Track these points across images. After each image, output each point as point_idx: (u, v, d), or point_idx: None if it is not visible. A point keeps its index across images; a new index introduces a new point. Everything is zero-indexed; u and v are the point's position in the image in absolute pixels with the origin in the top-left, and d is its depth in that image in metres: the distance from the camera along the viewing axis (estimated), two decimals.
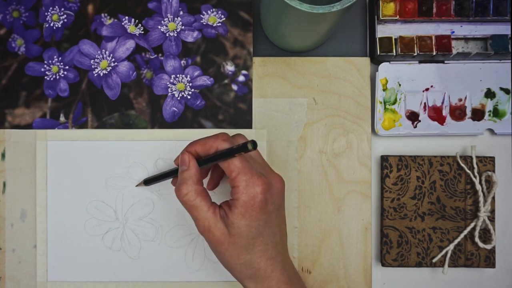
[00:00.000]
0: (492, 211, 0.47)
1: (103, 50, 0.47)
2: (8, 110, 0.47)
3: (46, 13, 0.47)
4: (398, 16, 0.46)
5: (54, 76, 0.47)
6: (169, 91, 0.47)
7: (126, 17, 0.47)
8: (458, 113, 0.47)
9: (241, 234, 0.37)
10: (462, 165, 0.46)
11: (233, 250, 0.38)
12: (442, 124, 0.47)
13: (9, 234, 0.46)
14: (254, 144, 0.35)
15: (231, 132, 0.47)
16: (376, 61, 0.48)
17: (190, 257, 0.47)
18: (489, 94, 0.47)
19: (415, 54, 0.46)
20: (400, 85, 0.47)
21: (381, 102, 0.47)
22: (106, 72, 0.47)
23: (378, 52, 0.46)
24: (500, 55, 0.47)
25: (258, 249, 0.38)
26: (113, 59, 0.47)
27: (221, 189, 0.46)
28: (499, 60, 0.47)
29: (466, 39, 0.48)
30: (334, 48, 0.48)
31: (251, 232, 0.37)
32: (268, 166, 0.41)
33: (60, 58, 0.47)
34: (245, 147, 0.35)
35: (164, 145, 0.47)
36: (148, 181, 0.45)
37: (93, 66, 0.47)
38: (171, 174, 0.43)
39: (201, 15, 0.47)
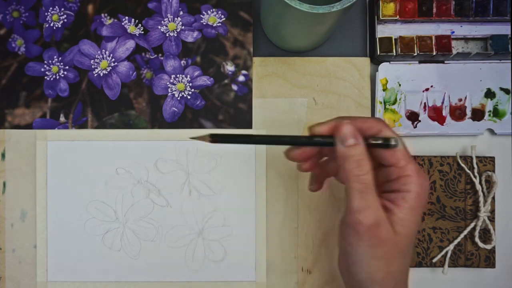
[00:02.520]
0: (492, 211, 0.47)
1: (103, 50, 0.47)
2: (8, 110, 0.47)
3: (46, 13, 0.47)
4: (398, 16, 0.46)
5: (54, 76, 0.47)
6: (169, 91, 0.47)
7: (126, 17, 0.47)
8: (458, 113, 0.47)
9: (408, 234, 0.31)
10: (462, 165, 0.46)
11: (392, 254, 0.31)
12: (442, 124, 0.47)
13: (9, 234, 0.46)
14: (396, 141, 0.32)
15: (231, 132, 0.47)
16: (376, 61, 0.48)
17: (190, 257, 0.47)
18: (489, 94, 0.47)
19: (415, 54, 0.46)
20: (400, 85, 0.47)
21: (381, 102, 0.47)
22: (106, 72, 0.47)
23: (378, 52, 0.46)
24: (500, 55, 0.47)
25: (409, 257, 0.32)
26: (113, 59, 0.47)
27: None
28: (499, 60, 0.47)
29: (466, 39, 0.48)
30: (334, 48, 0.48)
31: (414, 232, 0.32)
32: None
33: (60, 58, 0.47)
34: (387, 141, 0.32)
35: (164, 145, 0.47)
36: (220, 139, 0.34)
37: (93, 66, 0.47)
38: (285, 141, 0.35)
39: (201, 15, 0.47)
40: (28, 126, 0.47)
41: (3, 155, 0.47)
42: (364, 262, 0.31)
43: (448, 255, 0.46)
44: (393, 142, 0.32)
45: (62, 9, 0.47)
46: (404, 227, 0.31)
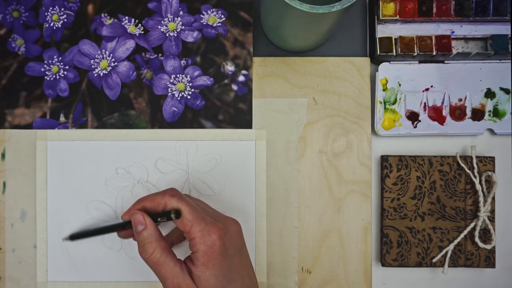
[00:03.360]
0: (492, 211, 0.47)
1: (103, 50, 0.47)
2: (8, 110, 0.47)
3: (46, 13, 0.47)
4: (398, 16, 0.46)
5: (54, 76, 0.47)
6: (169, 91, 0.47)
7: (126, 17, 0.47)
8: (458, 113, 0.47)
9: (210, 286, 0.36)
10: (462, 165, 0.46)
11: None
12: (442, 124, 0.47)
13: (9, 234, 0.46)
14: (176, 214, 0.37)
15: (231, 132, 0.47)
16: (376, 61, 0.48)
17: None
18: (489, 94, 0.47)
19: (415, 54, 0.46)
20: (400, 85, 0.47)
21: (381, 102, 0.47)
22: (106, 72, 0.47)
23: (378, 52, 0.46)
24: (500, 55, 0.47)
25: None
26: (113, 59, 0.47)
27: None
28: (499, 60, 0.47)
29: (466, 39, 0.48)
30: (334, 48, 0.48)
31: (219, 282, 0.36)
32: (219, 212, 0.41)
33: (60, 58, 0.47)
34: (169, 215, 0.37)
35: (164, 145, 0.47)
36: (75, 237, 0.44)
37: (93, 66, 0.47)
38: (112, 229, 0.41)
39: (201, 15, 0.47)
40: (28, 126, 0.47)
41: (3, 155, 0.47)
42: None
43: (448, 255, 0.46)
44: (172, 216, 0.37)
45: (62, 9, 0.47)
46: (203, 282, 0.36)
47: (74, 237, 0.44)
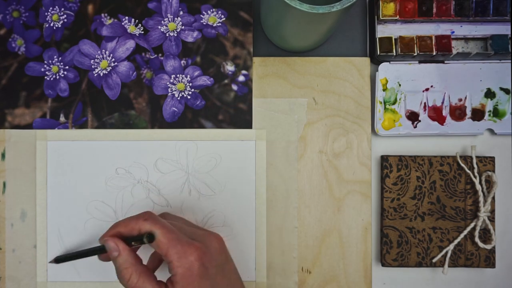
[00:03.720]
0: (492, 211, 0.47)
1: (103, 50, 0.47)
2: (8, 110, 0.47)
3: (46, 13, 0.47)
4: (398, 16, 0.46)
5: (54, 76, 0.47)
6: (169, 91, 0.47)
7: (126, 17, 0.47)
8: (458, 113, 0.47)
9: None
10: (462, 165, 0.46)
11: None
12: (442, 124, 0.47)
13: (9, 234, 0.46)
14: (149, 237, 0.36)
15: (231, 132, 0.47)
16: (376, 61, 0.48)
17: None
18: (489, 94, 0.47)
19: (415, 54, 0.46)
20: (400, 85, 0.47)
21: (381, 102, 0.47)
22: (106, 72, 0.47)
23: (378, 52, 0.46)
24: (500, 55, 0.47)
25: None
26: (113, 59, 0.47)
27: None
28: (499, 60, 0.47)
29: (466, 39, 0.48)
30: (334, 48, 0.48)
31: None
32: (200, 227, 0.40)
33: (60, 58, 0.47)
34: (142, 239, 0.37)
35: (164, 145, 0.47)
36: (61, 259, 0.44)
37: (93, 66, 0.47)
38: (93, 253, 0.41)
39: (201, 15, 0.47)
40: (28, 126, 0.47)
41: (3, 155, 0.47)
42: None
43: (448, 255, 0.46)
44: (145, 240, 0.37)
45: (62, 9, 0.47)
46: None
47: (59, 260, 0.44)
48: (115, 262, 0.38)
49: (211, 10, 0.47)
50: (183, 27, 0.47)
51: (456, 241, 0.46)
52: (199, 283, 0.36)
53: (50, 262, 0.46)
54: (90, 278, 0.46)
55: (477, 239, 0.46)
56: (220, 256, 0.38)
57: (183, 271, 0.35)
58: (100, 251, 0.40)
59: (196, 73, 0.47)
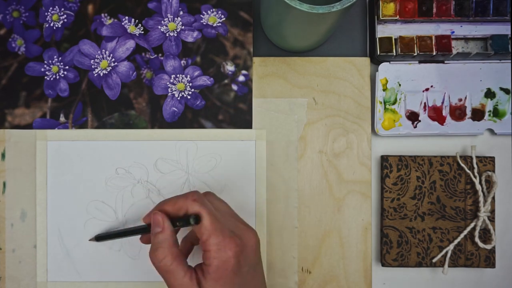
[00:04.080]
0: (492, 211, 0.47)
1: (103, 50, 0.47)
2: (8, 110, 0.47)
3: (46, 13, 0.47)
4: (398, 16, 0.46)
5: (54, 76, 0.47)
6: (169, 91, 0.47)
7: (126, 17, 0.47)
8: (458, 113, 0.47)
9: None
10: (462, 165, 0.46)
11: None
12: (442, 124, 0.47)
13: (9, 234, 0.46)
14: (196, 219, 0.36)
15: (231, 132, 0.47)
16: (376, 61, 0.48)
17: (190, 257, 0.46)
18: (489, 94, 0.47)
19: (415, 54, 0.46)
20: (400, 85, 0.47)
21: (381, 102, 0.47)
22: (106, 72, 0.47)
23: (378, 52, 0.46)
24: (500, 55, 0.47)
25: None
26: (113, 59, 0.47)
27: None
28: (499, 60, 0.47)
29: (466, 39, 0.48)
30: (334, 48, 0.48)
31: None
32: (240, 219, 0.40)
33: (60, 58, 0.47)
34: (188, 220, 0.36)
35: (164, 145, 0.47)
36: (102, 237, 0.44)
37: (93, 66, 0.47)
38: (135, 232, 0.41)
39: (201, 15, 0.47)
40: (28, 126, 0.47)
41: (3, 155, 0.47)
42: None
43: (448, 255, 0.46)
44: (191, 221, 0.36)
45: (62, 9, 0.47)
46: None
47: (100, 238, 0.45)
48: (154, 238, 0.37)
49: (211, 10, 0.47)
50: (183, 27, 0.47)
51: (456, 241, 0.46)
52: (231, 278, 0.35)
53: (90, 239, 0.46)
54: (90, 278, 0.46)
55: (477, 239, 0.46)
56: (254, 255, 0.38)
57: (218, 263, 0.35)
58: (143, 231, 0.40)
59: (196, 73, 0.47)
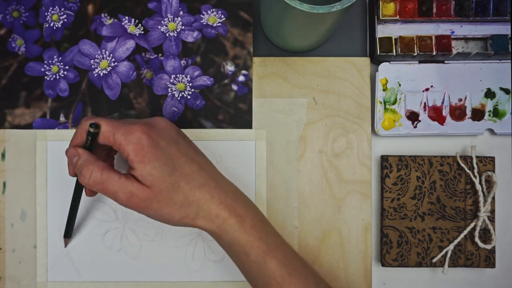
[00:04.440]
0: (492, 211, 0.47)
1: (103, 50, 0.47)
2: (8, 110, 0.47)
3: (46, 13, 0.47)
4: (398, 16, 0.46)
5: (54, 76, 0.47)
6: (169, 91, 0.47)
7: (126, 17, 0.47)
8: (458, 113, 0.47)
9: (156, 178, 0.36)
10: (462, 165, 0.46)
11: (164, 198, 0.37)
12: (442, 124, 0.47)
13: (9, 234, 0.46)
14: (94, 125, 0.37)
15: (231, 132, 0.47)
16: (376, 61, 0.48)
17: (190, 257, 0.47)
18: (489, 94, 0.47)
19: (415, 54, 0.46)
20: (400, 85, 0.47)
21: (381, 102, 0.47)
22: (106, 72, 0.47)
23: (378, 52, 0.46)
24: (500, 55, 0.47)
25: (183, 182, 0.37)
26: (113, 59, 0.47)
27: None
28: (499, 60, 0.47)
29: (466, 39, 0.48)
30: (334, 48, 0.48)
31: (163, 171, 0.36)
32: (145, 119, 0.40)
33: (60, 58, 0.47)
34: (89, 132, 0.37)
35: None
36: (66, 231, 0.45)
37: (93, 66, 0.47)
38: (75, 196, 0.42)
39: (201, 15, 0.47)
40: (28, 126, 0.47)
41: (3, 155, 0.47)
42: (158, 218, 0.38)
43: (448, 255, 0.46)
44: (90, 129, 0.37)
45: (62, 9, 0.47)
46: (148, 177, 0.36)
47: (66, 234, 0.45)
48: (76, 168, 0.38)
49: (211, 10, 0.47)
50: (183, 27, 0.47)
51: (456, 241, 0.46)
52: (153, 153, 0.36)
53: (66, 246, 0.46)
54: (90, 278, 0.46)
55: (477, 239, 0.46)
56: (169, 132, 0.39)
57: (133, 147, 0.36)
58: (80, 189, 0.41)
59: (196, 73, 0.47)
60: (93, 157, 0.38)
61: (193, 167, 0.38)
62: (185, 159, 0.38)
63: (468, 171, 0.46)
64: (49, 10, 0.47)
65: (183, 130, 0.47)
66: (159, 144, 0.37)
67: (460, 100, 0.47)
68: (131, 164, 0.37)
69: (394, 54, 0.46)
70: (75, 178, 0.41)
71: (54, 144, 0.47)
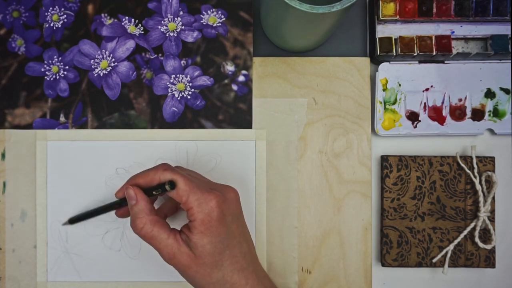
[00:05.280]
0: (492, 211, 0.47)
1: (103, 50, 0.47)
2: (8, 110, 0.47)
3: (46, 13, 0.47)
4: (398, 16, 0.46)
5: (54, 76, 0.47)
6: (169, 91, 0.47)
7: (126, 17, 0.47)
8: (458, 113, 0.47)
9: (207, 252, 0.37)
10: (462, 165, 0.46)
11: (203, 271, 0.37)
12: (442, 124, 0.47)
13: (9, 234, 0.46)
14: (171, 185, 0.37)
15: (231, 132, 0.47)
16: (376, 61, 0.48)
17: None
18: (489, 94, 0.47)
19: (415, 54, 0.46)
20: (400, 85, 0.47)
21: (381, 102, 0.47)
22: (106, 72, 0.47)
23: (378, 52, 0.46)
24: (500, 55, 0.47)
25: (228, 263, 0.38)
26: (113, 59, 0.47)
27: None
28: (499, 60, 0.47)
29: (466, 39, 0.48)
30: (334, 48, 0.48)
31: (216, 248, 0.37)
32: (215, 182, 0.41)
33: (60, 58, 0.47)
34: (163, 187, 0.37)
35: (164, 145, 0.47)
36: (75, 219, 0.45)
37: (93, 66, 0.47)
38: (108, 208, 0.43)
39: (201, 15, 0.47)
40: (28, 126, 0.47)
41: (3, 155, 0.47)
42: (190, 282, 0.39)
43: (448, 255, 0.46)
44: (167, 187, 0.37)
45: (62, 9, 0.47)
46: (200, 248, 0.37)
47: (73, 220, 0.45)
48: (131, 211, 0.38)
49: (211, 10, 0.47)
50: (183, 27, 0.47)
51: (456, 241, 0.46)
52: (217, 228, 0.37)
53: (64, 224, 0.46)
54: (90, 278, 0.46)
55: (477, 239, 0.46)
56: (236, 207, 0.39)
57: (202, 217, 0.36)
58: (118, 206, 0.41)
59: (196, 73, 0.47)
60: (149, 208, 0.38)
61: (243, 248, 0.39)
62: (239, 239, 0.39)
63: (468, 171, 0.46)
64: (49, 10, 0.47)
65: (183, 130, 0.47)
66: (225, 220, 0.37)
67: (460, 100, 0.47)
68: (192, 228, 0.37)
69: (394, 54, 0.46)
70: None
71: (54, 144, 0.47)
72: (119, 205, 0.41)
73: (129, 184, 0.39)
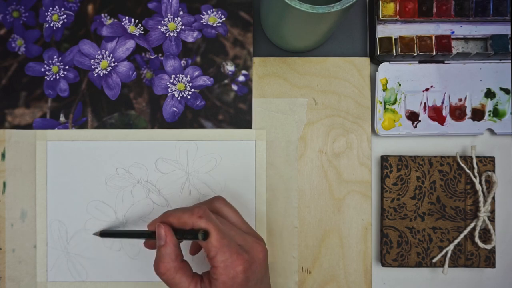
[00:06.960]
0: (492, 211, 0.47)
1: (103, 50, 0.47)
2: (8, 110, 0.47)
3: (46, 13, 0.47)
4: (398, 16, 0.46)
5: (54, 76, 0.47)
6: (169, 91, 0.47)
7: (126, 17, 0.47)
8: (458, 113, 0.47)
9: None
10: (462, 165, 0.46)
11: None
12: (442, 124, 0.47)
13: (9, 234, 0.46)
14: (204, 235, 0.36)
15: (231, 132, 0.47)
16: (376, 61, 0.48)
17: (190, 257, 0.46)
18: (489, 94, 0.47)
19: (415, 54, 0.46)
20: (400, 85, 0.47)
21: (381, 102, 0.47)
22: (106, 72, 0.47)
23: (378, 52, 0.46)
24: (500, 55, 0.47)
25: None
26: (113, 59, 0.47)
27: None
28: (499, 60, 0.47)
29: (466, 39, 0.48)
30: (334, 48, 0.48)
31: None
32: (249, 228, 0.40)
33: (60, 58, 0.47)
34: (196, 235, 0.36)
35: (164, 145, 0.47)
36: (106, 234, 0.45)
37: (93, 66, 0.47)
38: (139, 235, 0.42)
39: (201, 15, 0.47)
40: (28, 126, 0.47)
41: (3, 155, 0.47)
42: None
43: (448, 255, 0.46)
44: (200, 237, 0.36)
45: (62, 9, 0.47)
46: None
47: (104, 234, 0.45)
48: (158, 251, 0.38)
49: (211, 10, 0.47)
50: (183, 27, 0.47)
51: (456, 241, 0.46)
52: None
53: (94, 234, 0.46)
54: (90, 278, 0.46)
55: (477, 239, 0.46)
56: (261, 268, 0.38)
57: (225, 279, 0.36)
58: (148, 236, 0.41)
59: (196, 73, 0.47)
60: (176, 252, 0.38)
61: None
62: None
63: (468, 171, 0.46)
64: (49, 10, 0.47)
65: (183, 130, 0.47)
66: (248, 285, 0.37)
67: (460, 100, 0.47)
68: (212, 284, 0.36)
69: (394, 54, 0.46)
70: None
71: (54, 144, 0.47)
72: (149, 236, 0.41)
73: (162, 221, 0.38)
